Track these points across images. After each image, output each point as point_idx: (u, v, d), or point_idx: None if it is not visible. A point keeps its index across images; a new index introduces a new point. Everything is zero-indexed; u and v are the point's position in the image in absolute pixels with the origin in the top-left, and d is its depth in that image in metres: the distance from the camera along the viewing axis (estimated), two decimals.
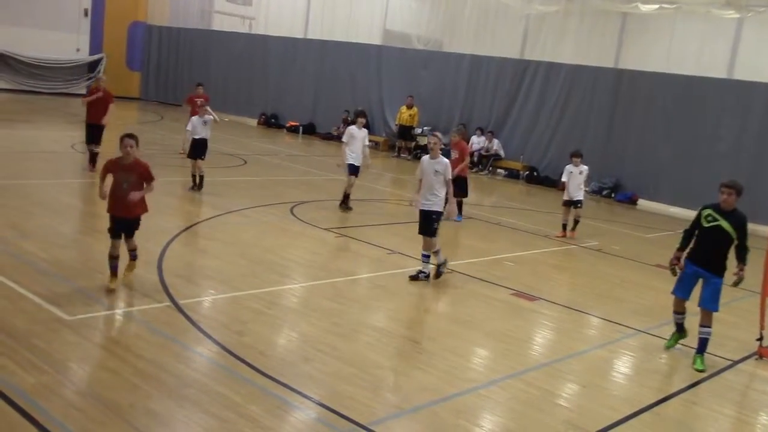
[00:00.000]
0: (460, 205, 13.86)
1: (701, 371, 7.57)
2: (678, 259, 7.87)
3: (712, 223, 7.69)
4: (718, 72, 19.30)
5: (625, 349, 8.15)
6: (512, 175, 22.63)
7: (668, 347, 8.20)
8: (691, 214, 18.86)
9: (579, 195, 13.69)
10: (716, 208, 7.75)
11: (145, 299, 7.63)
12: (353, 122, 14.38)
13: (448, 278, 9.97)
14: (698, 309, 7.77)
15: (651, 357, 8.00)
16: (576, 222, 13.92)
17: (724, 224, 7.63)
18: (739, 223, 7.64)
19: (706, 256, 7.69)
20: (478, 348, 7.70)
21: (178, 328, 6.96)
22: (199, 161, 13.69)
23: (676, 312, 8.05)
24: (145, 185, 7.73)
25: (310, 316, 7.87)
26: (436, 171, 9.43)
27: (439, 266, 9.69)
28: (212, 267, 9.26)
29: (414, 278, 9.56)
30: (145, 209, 7.88)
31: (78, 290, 7.65)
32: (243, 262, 9.54)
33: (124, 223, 7.81)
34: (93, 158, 14.58)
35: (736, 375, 7.69)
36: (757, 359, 8.09)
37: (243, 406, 5.49)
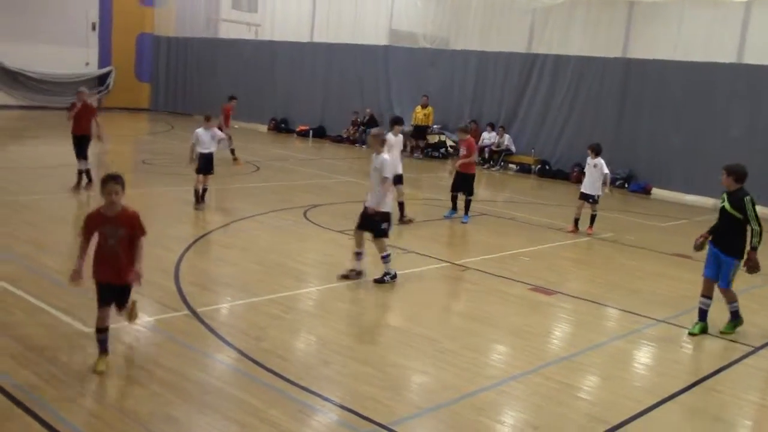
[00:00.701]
0: (467, 204, 13.79)
1: (726, 333, 8.14)
2: (704, 237, 8.20)
3: (720, 205, 8.15)
4: (728, 57, 19.16)
5: (645, 340, 8.10)
6: (524, 169, 22.55)
7: (691, 334, 8.20)
8: (705, 201, 18.90)
9: (592, 190, 13.26)
10: (726, 190, 8.13)
11: (162, 308, 7.66)
12: (389, 128, 13.26)
13: (465, 275, 9.95)
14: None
15: (671, 346, 7.95)
16: (592, 218, 13.48)
17: (726, 205, 7.99)
18: (737, 203, 7.89)
19: (719, 236, 8.08)
20: (497, 344, 7.69)
21: (196, 336, 6.99)
22: (207, 176, 13.08)
23: (702, 294, 8.22)
24: (137, 247, 6.11)
25: (327, 318, 7.88)
26: (375, 168, 9.13)
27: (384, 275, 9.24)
28: (228, 274, 9.30)
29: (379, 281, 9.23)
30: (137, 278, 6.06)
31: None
32: (259, 268, 9.57)
33: (115, 290, 6.16)
34: (79, 175, 14.00)
35: (758, 361, 7.62)
36: None
37: (264, 411, 5.50)
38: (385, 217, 9.22)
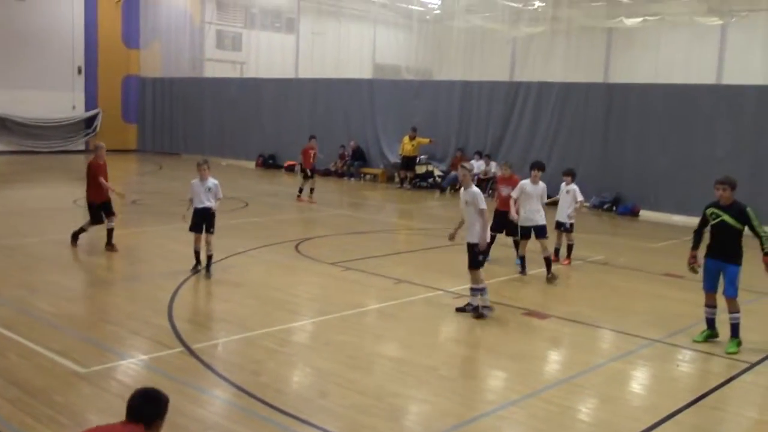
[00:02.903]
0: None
1: (733, 353, 8.10)
2: (694, 258, 8.58)
3: (716, 220, 8.30)
4: (707, 78, 19.46)
5: (642, 360, 8.12)
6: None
7: (696, 341, 8.51)
8: (693, 221, 18.89)
9: (564, 218, 12.63)
10: (717, 205, 8.34)
11: (157, 346, 7.63)
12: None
13: (459, 302, 9.97)
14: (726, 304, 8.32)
15: (668, 366, 7.97)
16: (569, 248, 12.92)
17: (727, 218, 8.21)
18: (740, 213, 8.17)
19: (721, 248, 8.27)
20: (495, 369, 7.68)
21: (193, 373, 6.96)
22: (208, 235, 10.88)
23: (707, 305, 8.55)
24: None
25: (323, 350, 7.87)
26: (466, 201, 9.16)
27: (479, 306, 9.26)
28: (222, 309, 9.28)
29: (461, 310, 9.44)
30: None
31: (90, 342, 7.66)
32: (252, 303, 9.55)
33: None
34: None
35: (755, 377, 7.64)
36: None
37: None
38: (479, 248, 9.12)
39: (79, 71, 30.73)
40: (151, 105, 32.97)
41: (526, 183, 11.63)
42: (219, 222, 15.52)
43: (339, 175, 26.21)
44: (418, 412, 6.43)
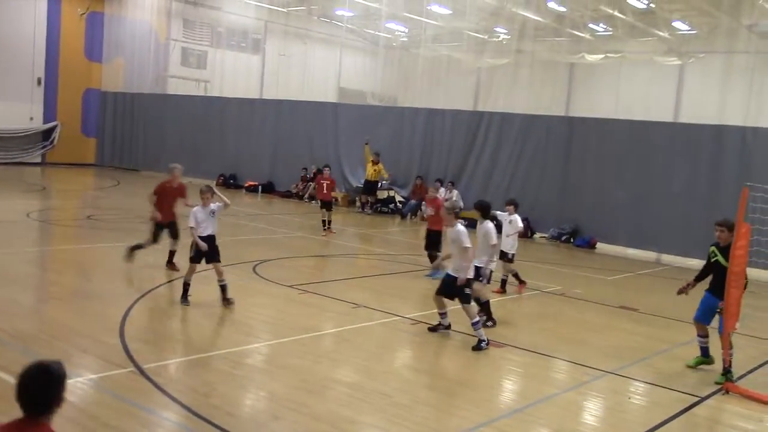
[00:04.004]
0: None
1: (723, 381, 8.40)
2: (688, 285, 9.07)
3: (713, 259, 8.82)
4: (665, 116, 19.95)
5: (595, 391, 8.18)
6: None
7: (689, 366, 9.05)
8: (648, 255, 19.35)
9: (506, 247, 12.45)
10: (716, 245, 8.81)
11: (107, 365, 7.45)
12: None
13: (415, 329, 9.95)
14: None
15: (620, 398, 8.03)
16: (516, 275, 12.92)
17: (720, 259, 8.67)
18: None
19: (719, 287, 8.53)
20: (450, 397, 7.66)
21: (143, 394, 6.80)
22: (216, 265, 10.31)
23: (699, 335, 9.06)
24: None
25: (277, 374, 7.77)
26: (452, 240, 9.49)
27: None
28: (176, 329, 9.12)
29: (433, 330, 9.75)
30: None
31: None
32: (207, 323, 9.41)
33: None
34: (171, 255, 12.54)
35: (704, 410, 7.75)
36: (723, 394, 8.17)
37: None
38: (468, 283, 9.36)
39: (39, 82, 30.25)
40: (112, 119, 32.57)
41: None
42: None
43: (300, 197, 26.14)
44: None
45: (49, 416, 3.54)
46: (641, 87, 23.80)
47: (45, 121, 30.67)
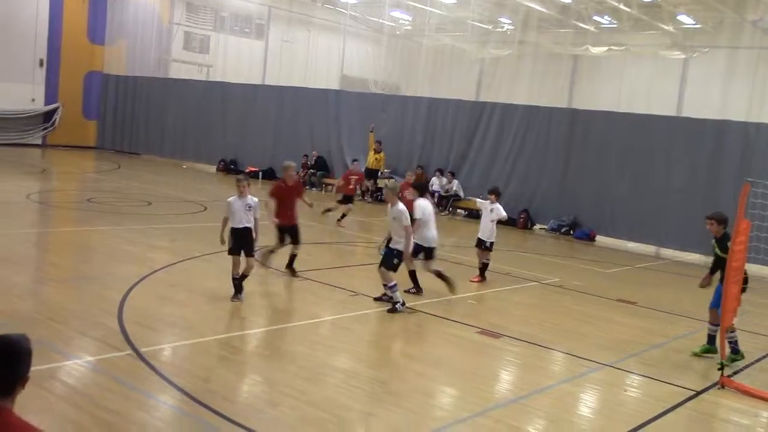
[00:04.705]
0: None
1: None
2: (706, 277, 9.36)
3: (713, 251, 9.20)
4: (668, 110, 19.90)
5: (591, 383, 8.21)
6: (472, 215, 22.80)
7: (694, 353, 9.30)
8: (647, 248, 19.36)
9: (485, 235, 12.80)
10: (714, 238, 9.10)
11: (105, 348, 7.47)
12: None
13: (414, 318, 9.98)
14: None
15: (616, 390, 8.06)
16: (484, 266, 12.89)
17: (717, 250, 9.04)
18: (724, 245, 8.84)
19: (722, 276, 8.89)
20: (446, 387, 7.69)
21: (140, 377, 6.82)
22: (249, 259, 9.93)
23: (710, 323, 9.31)
24: None
25: (275, 360, 7.79)
26: (394, 218, 10.24)
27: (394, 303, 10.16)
28: (174, 313, 9.12)
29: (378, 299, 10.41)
30: None
31: (35, 341, 7.38)
32: (206, 308, 9.42)
33: None
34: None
35: (699, 404, 7.77)
36: (719, 388, 8.19)
37: None
38: (399, 254, 10.30)
39: (41, 64, 30.16)
40: (113, 102, 32.49)
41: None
42: (176, 225, 15.43)
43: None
44: (366, 426, 6.39)
45: (11, 399, 3.17)
46: (644, 80, 23.73)
47: (46, 103, 30.60)
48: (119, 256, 12.11)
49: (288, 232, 11.59)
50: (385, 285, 10.24)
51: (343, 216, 18.17)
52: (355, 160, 19.55)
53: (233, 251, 9.81)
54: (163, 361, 7.39)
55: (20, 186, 19.02)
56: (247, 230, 9.81)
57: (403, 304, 10.12)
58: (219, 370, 7.22)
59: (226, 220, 9.84)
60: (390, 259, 10.24)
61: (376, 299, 10.47)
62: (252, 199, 9.86)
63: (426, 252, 11.26)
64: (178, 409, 6.24)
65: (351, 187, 18.43)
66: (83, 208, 17.36)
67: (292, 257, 11.70)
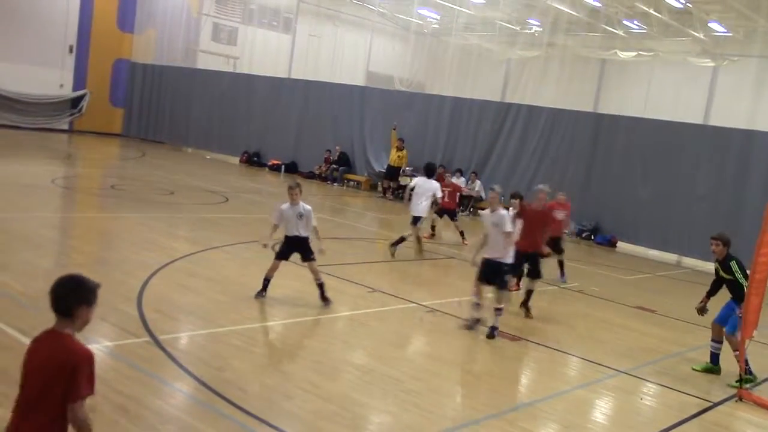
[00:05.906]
0: (561, 264, 13.66)
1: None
2: (701, 301, 9.17)
3: (717, 274, 8.96)
4: (695, 118, 19.68)
5: (606, 390, 8.16)
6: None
7: (695, 369, 9.05)
8: (668, 257, 19.17)
9: (418, 212, 13.81)
10: (717, 261, 8.93)
11: (123, 334, 7.54)
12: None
13: (431, 317, 9.96)
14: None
15: (631, 398, 8.00)
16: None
17: (721, 272, 8.84)
18: (727, 267, 8.72)
19: (735, 298, 8.72)
20: (461, 387, 7.67)
21: (156, 364, 6.88)
22: (311, 263, 9.59)
23: (713, 340, 9.04)
24: None
25: (291, 353, 7.82)
26: (494, 223, 9.33)
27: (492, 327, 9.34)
28: (193, 303, 9.19)
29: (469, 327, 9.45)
30: None
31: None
32: (224, 298, 9.48)
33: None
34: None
35: (716, 416, 7.69)
36: (737, 401, 8.11)
37: None
38: (511, 269, 9.66)
39: (71, 50, 30.45)
40: (140, 91, 32.75)
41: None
42: (197, 215, 15.52)
43: (322, 178, 26.19)
44: (379, 423, 6.40)
45: (72, 324, 3.62)
46: (672, 87, 23.50)
47: (74, 89, 30.90)
48: (140, 244, 12.21)
49: (526, 259, 10.79)
50: (497, 308, 9.30)
51: (462, 233, 16.74)
52: (457, 170, 19.47)
53: (280, 256, 9.67)
54: (180, 349, 7.45)
55: (46, 170, 19.24)
56: (302, 239, 9.48)
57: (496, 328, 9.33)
58: (234, 360, 7.26)
59: (275, 228, 9.59)
60: (503, 278, 9.37)
61: (467, 328, 9.45)
62: (304, 207, 9.52)
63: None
64: (192, 397, 6.29)
65: (447, 200, 16.31)
66: (107, 194, 17.53)
67: (529, 293, 10.82)
